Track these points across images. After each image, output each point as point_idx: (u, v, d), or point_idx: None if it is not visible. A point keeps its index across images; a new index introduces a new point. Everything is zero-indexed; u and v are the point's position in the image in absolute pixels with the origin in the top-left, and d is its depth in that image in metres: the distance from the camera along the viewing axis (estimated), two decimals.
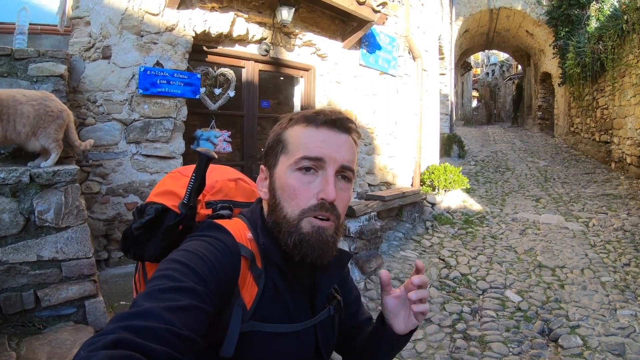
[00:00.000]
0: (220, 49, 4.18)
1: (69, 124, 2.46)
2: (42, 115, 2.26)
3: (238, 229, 0.84)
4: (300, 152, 0.81)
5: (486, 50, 22.18)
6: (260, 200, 0.92)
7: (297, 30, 4.63)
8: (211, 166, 0.90)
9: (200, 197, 0.91)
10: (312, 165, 0.81)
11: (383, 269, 4.39)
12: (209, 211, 0.92)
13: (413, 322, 0.92)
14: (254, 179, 1.09)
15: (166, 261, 0.73)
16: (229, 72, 4.38)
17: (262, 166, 0.91)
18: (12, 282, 2.11)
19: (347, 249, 4.29)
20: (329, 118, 0.84)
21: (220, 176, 1.02)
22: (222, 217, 0.90)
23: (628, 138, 8.10)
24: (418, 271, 0.90)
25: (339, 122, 0.85)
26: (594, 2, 10.73)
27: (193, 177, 0.86)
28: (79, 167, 2.42)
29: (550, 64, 13.28)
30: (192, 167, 0.89)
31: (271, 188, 0.86)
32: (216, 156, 0.90)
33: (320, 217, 0.80)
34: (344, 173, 0.84)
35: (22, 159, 2.45)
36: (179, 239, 0.85)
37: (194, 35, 3.73)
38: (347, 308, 1.01)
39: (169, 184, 0.95)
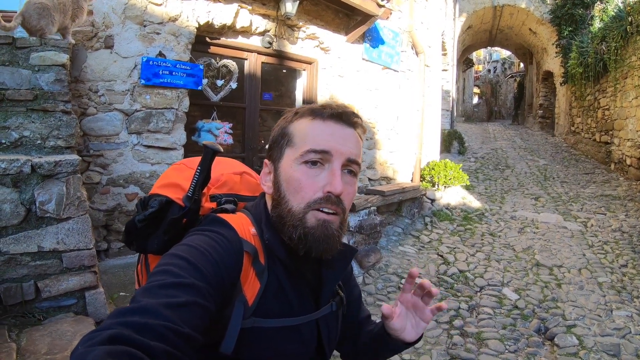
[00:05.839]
0: (223, 40, 4.14)
1: None
2: None
3: (242, 224, 0.83)
4: (307, 145, 0.81)
5: (488, 47, 22.03)
6: (264, 194, 0.90)
7: (300, 23, 4.60)
8: (216, 159, 0.89)
9: (204, 191, 0.89)
10: (318, 158, 0.80)
11: (382, 263, 4.41)
12: (213, 205, 0.91)
13: (422, 326, 0.93)
14: (255, 171, 1.07)
15: (167, 256, 0.72)
16: (232, 64, 4.35)
17: (265, 160, 0.89)
18: (12, 273, 2.10)
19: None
20: (335, 111, 0.83)
21: (225, 169, 1.00)
22: (226, 211, 0.89)
23: (628, 140, 8.10)
24: (411, 278, 0.92)
25: (345, 116, 0.84)
26: (598, 3, 10.68)
27: (198, 170, 0.85)
28: (80, 158, 2.40)
29: (553, 63, 13.24)
30: (197, 159, 0.88)
31: (276, 182, 0.85)
32: (222, 150, 0.89)
33: (326, 210, 0.79)
34: (350, 167, 0.84)
35: (22, 148, 2.44)
36: (182, 232, 0.84)
37: (197, 26, 3.69)
38: (348, 306, 1.00)
39: (173, 176, 0.93)
